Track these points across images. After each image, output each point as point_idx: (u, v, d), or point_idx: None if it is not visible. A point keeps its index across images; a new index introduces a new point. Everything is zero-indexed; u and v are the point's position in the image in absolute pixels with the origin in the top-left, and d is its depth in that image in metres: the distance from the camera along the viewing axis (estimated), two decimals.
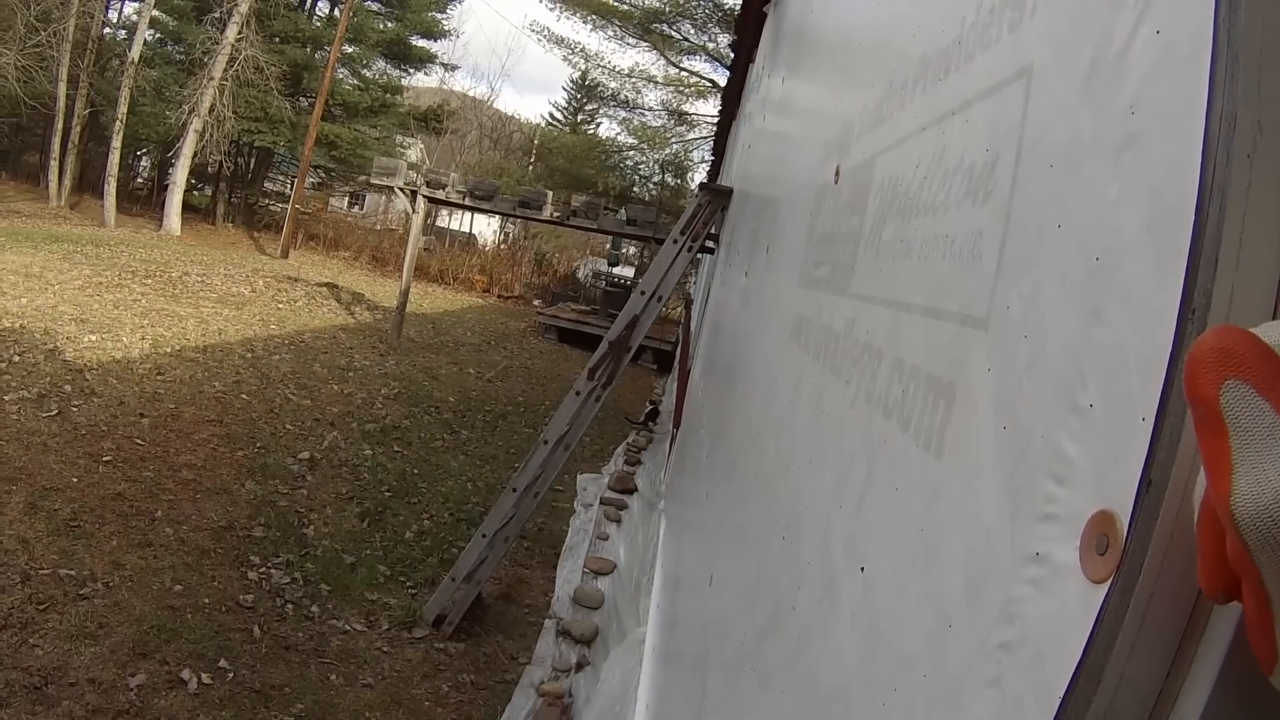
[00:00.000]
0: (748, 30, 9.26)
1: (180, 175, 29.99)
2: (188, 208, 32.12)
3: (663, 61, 38.13)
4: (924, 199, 1.25)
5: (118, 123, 29.50)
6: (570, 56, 41.18)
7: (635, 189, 41.05)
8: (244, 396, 11.52)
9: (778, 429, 2.34)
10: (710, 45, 35.09)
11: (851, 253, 1.77)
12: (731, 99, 13.59)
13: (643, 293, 7.50)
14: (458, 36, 70.33)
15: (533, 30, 68.56)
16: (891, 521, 1.10)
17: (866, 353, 1.46)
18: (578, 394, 7.26)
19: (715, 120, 24.22)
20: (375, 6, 38.37)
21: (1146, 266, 0.59)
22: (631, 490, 10.57)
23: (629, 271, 36.91)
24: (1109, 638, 0.56)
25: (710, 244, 8.86)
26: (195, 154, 30.07)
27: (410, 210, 17.40)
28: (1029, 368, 0.63)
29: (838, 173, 2.11)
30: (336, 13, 36.31)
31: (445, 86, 48.31)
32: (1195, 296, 0.54)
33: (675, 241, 7.65)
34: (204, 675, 5.54)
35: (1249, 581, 0.45)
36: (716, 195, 7.77)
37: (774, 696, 1.65)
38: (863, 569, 1.18)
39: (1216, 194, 0.54)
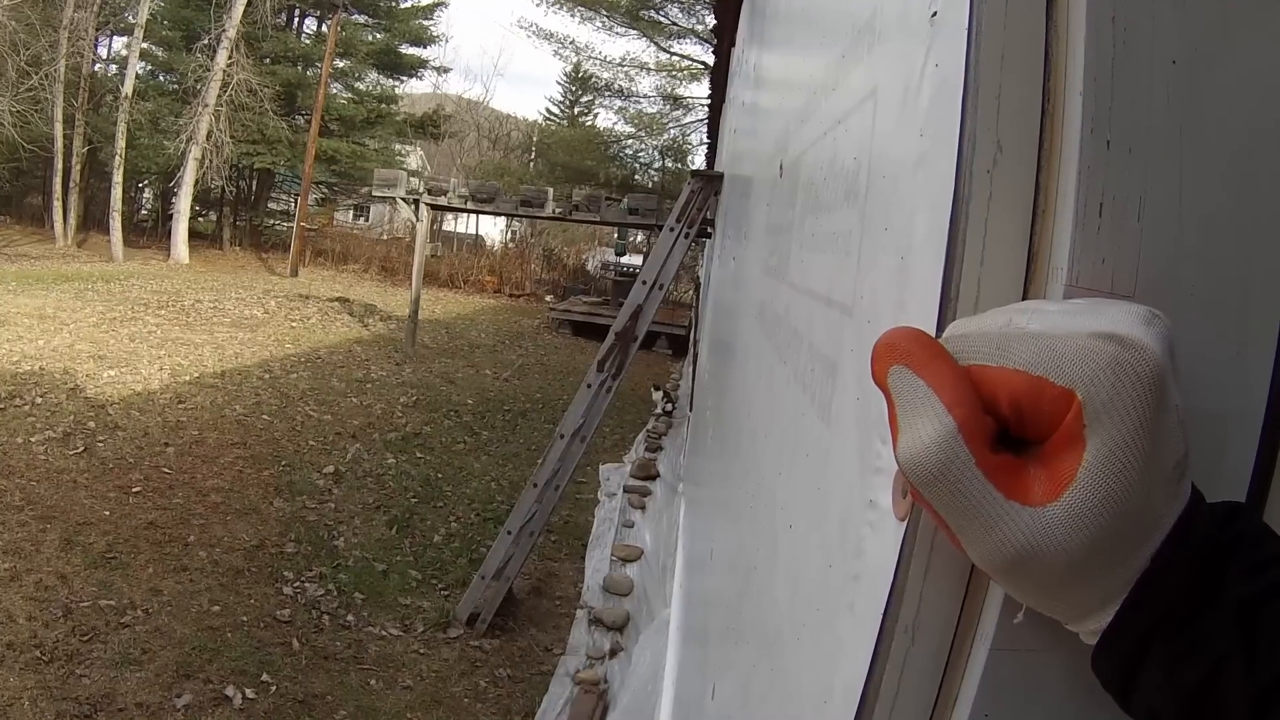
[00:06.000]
0: (727, 13, 9.33)
1: (184, 204, 30.11)
2: (194, 235, 32.20)
3: (653, 48, 37.91)
4: (824, 198, 1.37)
5: (117, 158, 29.61)
6: (561, 50, 41.02)
7: (637, 177, 40.68)
8: (265, 417, 11.67)
9: (750, 407, 2.48)
10: (699, 28, 34.85)
11: (788, 244, 1.90)
12: (719, 83, 13.65)
13: (644, 283, 7.57)
14: (447, 40, 69.96)
15: (521, 26, 68.25)
16: (805, 483, 1.22)
17: (794, 336, 1.58)
18: (589, 386, 7.35)
19: (709, 102, 24.24)
20: (363, 19, 38.31)
21: (928, 266, 0.72)
22: (654, 476, 10.65)
23: (638, 260, 36.73)
24: (908, 564, 0.69)
25: (709, 229, 8.93)
26: (197, 181, 30.18)
27: (414, 219, 17.49)
28: (870, 349, 0.77)
29: (781, 167, 2.23)
30: (324, 29, 36.30)
31: (439, 91, 48.22)
32: (951, 289, 0.67)
33: (672, 229, 7.71)
34: (248, 690, 5.69)
35: (929, 511, 0.60)
36: (708, 181, 7.82)
37: (744, 650, 1.79)
38: (790, 526, 1.32)
39: (964, 204, 0.67)
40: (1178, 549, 0.55)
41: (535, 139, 48.55)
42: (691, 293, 25.24)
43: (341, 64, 36.72)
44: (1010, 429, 0.58)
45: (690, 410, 11.00)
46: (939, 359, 0.59)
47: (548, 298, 32.62)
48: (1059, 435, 0.55)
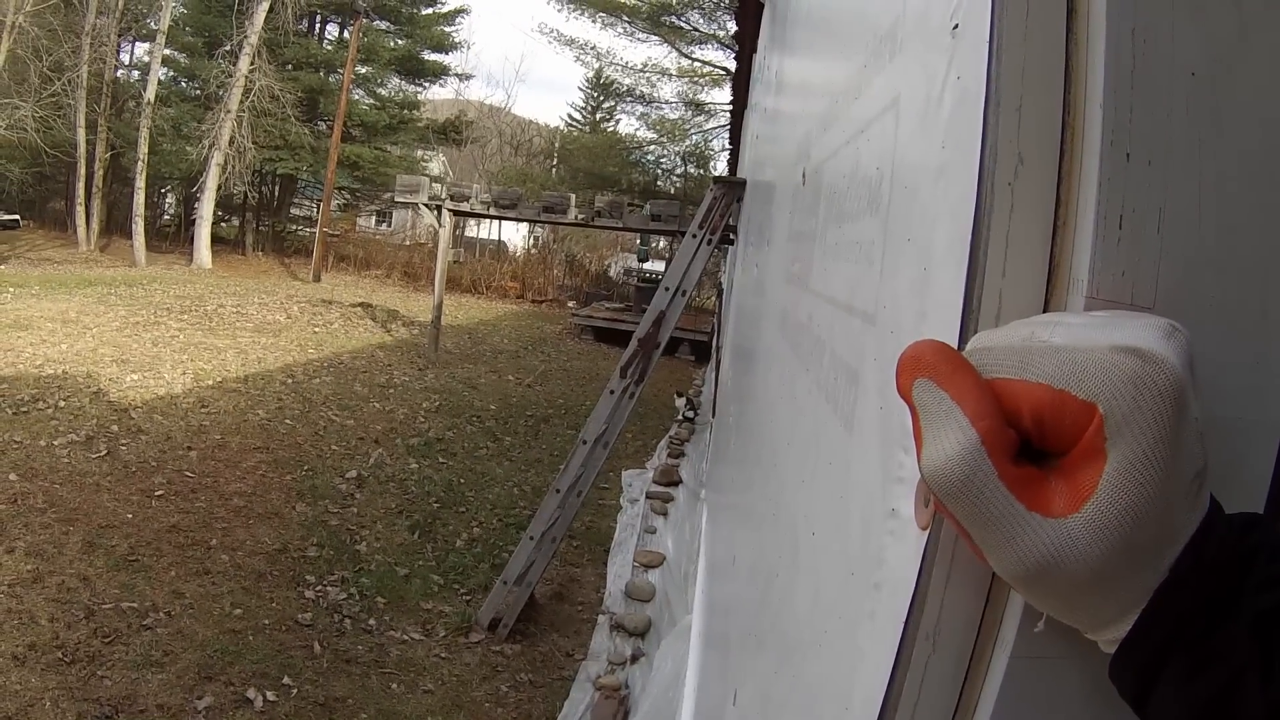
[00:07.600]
0: (748, 19, 9.32)
1: (206, 209, 30.28)
2: (217, 240, 32.42)
3: (675, 54, 37.81)
4: (847, 207, 1.37)
5: (140, 163, 29.82)
6: (582, 56, 41.34)
7: (659, 183, 40.55)
8: (288, 421, 11.72)
9: (773, 414, 2.47)
10: (720, 34, 34.72)
11: (810, 252, 1.90)
12: (740, 88, 13.63)
13: (667, 289, 7.57)
14: (469, 47, 69.83)
15: (542, 32, 68.05)
16: (827, 491, 1.23)
17: (818, 344, 1.57)
18: (612, 392, 7.34)
19: (731, 108, 24.20)
20: (384, 25, 38.44)
21: (950, 276, 0.72)
22: (676, 482, 10.62)
23: (660, 266, 36.56)
24: (929, 572, 0.70)
25: (731, 235, 8.91)
26: (219, 187, 30.38)
27: (437, 224, 17.50)
28: (892, 358, 0.77)
29: (804, 175, 2.23)
30: (346, 35, 36.44)
31: (461, 97, 48.25)
32: (972, 301, 0.67)
33: (694, 236, 7.70)
34: (269, 693, 5.71)
35: (952, 521, 0.60)
36: (730, 188, 7.79)
37: (764, 656, 1.79)
38: (812, 533, 1.32)
39: (985, 216, 0.67)
40: (1196, 559, 0.55)
41: (557, 145, 48.52)
42: (714, 299, 25.22)
43: (363, 70, 36.93)
44: (1032, 441, 0.58)
45: (713, 417, 10.98)
46: (962, 372, 0.59)
47: (570, 304, 32.61)
48: (1080, 448, 0.55)
